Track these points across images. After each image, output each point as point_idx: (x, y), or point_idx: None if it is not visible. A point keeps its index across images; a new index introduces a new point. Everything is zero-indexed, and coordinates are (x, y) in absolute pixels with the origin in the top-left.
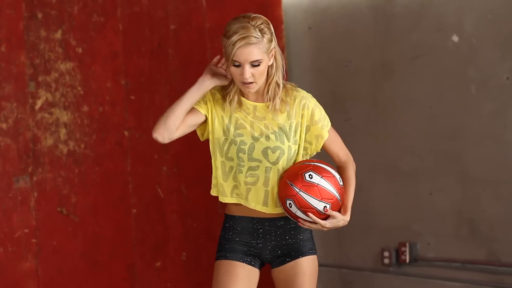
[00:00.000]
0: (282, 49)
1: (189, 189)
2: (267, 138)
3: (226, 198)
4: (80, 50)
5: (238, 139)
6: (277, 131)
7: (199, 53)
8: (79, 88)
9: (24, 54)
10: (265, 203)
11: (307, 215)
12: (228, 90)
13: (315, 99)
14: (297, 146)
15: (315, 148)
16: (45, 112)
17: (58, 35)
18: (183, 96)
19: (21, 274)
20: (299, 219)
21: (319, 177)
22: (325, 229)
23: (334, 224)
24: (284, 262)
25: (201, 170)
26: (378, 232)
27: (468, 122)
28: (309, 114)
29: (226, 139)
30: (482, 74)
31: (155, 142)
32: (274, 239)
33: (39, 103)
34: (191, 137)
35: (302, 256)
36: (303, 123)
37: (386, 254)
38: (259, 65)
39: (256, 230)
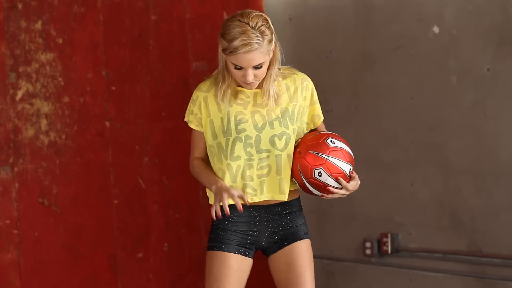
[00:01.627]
0: None
1: (171, 180)
2: (271, 125)
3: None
4: (60, 41)
5: (242, 135)
6: (280, 116)
7: (180, 43)
8: (60, 79)
9: (4, 45)
10: (282, 191)
11: (338, 181)
12: (220, 86)
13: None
14: (302, 129)
15: (309, 128)
16: (26, 103)
17: (39, 25)
18: (203, 180)
19: (2, 265)
20: (328, 187)
21: (339, 142)
22: (347, 193)
23: (355, 186)
24: (282, 246)
25: (183, 161)
26: (360, 223)
27: (449, 113)
28: (309, 95)
29: (228, 139)
30: (462, 65)
31: (136, 132)
32: (271, 226)
33: (19, 94)
34: (173, 128)
35: (300, 239)
36: (305, 105)
37: (368, 245)
38: (261, 67)
39: (253, 218)
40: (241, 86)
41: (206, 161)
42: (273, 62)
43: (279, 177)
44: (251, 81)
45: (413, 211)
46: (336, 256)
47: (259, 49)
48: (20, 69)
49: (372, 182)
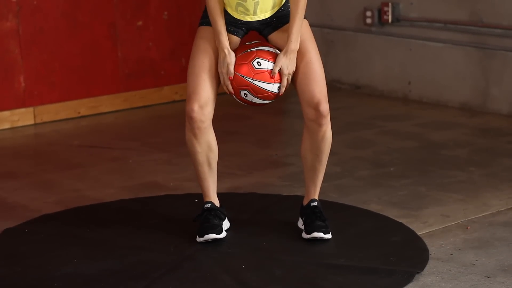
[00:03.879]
0: None
1: None
2: None
3: (230, 10)
4: None
5: None
6: None
7: None
8: None
9: None
10: (273, 7)
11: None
12: None
13: None
14: None
15: None
16: None
17: None
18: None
19: (1, 34)
20: (256, 104)
21: (267, 62)
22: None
23: (288, 76)
24: (276, 28)
25: None
26: None
27: None
28: None
29: None
30: None
31: None
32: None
33: None
34: None
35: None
36: None
37: (368, 13)
38: None
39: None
40: None
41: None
42: None
43: None
44: None
45: None
46: (336, 24)
47: None
48: None
49: None
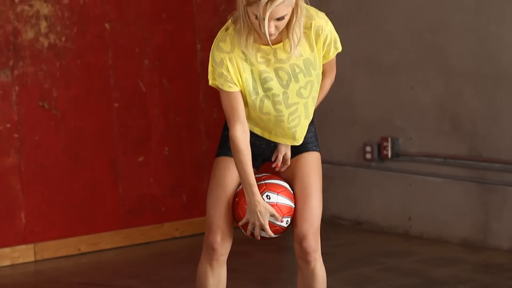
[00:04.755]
0: None
1: (171, 83)
2: (296, 79)
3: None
4: None
5: (269, 93)
6: (303, 67)
7: None
8: None
9: None
10: (302, 136)
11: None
12: (241, 34)
13: (329, 22)
14: (321, 69)
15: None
16: (25, 4)
17: None
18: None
19: (3, 170)
20: (263, 238)
21: (276, 195)
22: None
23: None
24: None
25: (183, 63)
26: (360, 127)
27: (451, 15)
28: (328, 41)
29: (256, 97)
30: None
31: (136, 34)
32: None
33: None
34: (173, 30)
35: (307, 151)
36: (323, 49)
37: (368, 149)
38: (283, 18)
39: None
40: (260, 41)
41: (247, 137)
42: (296, 15)
43: (307, 120)
44: (272, 32)
45: (413, 115)
46: (336, 160)
47: (284, 2)
48: None
49: (373, 85)
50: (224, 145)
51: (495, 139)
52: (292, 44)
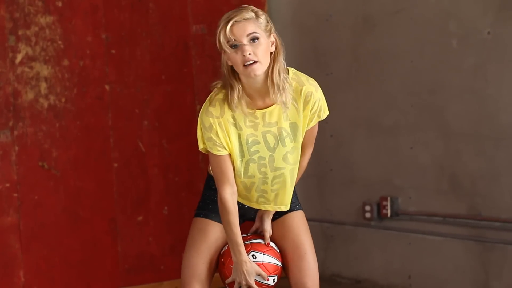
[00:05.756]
0: (263, 4)
1: (171, 143)
2: (283, 143)
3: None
4: (60, 4)
5: (255, 157)
6: (290, 131)
7: (180, 6)
8: (60, 42)
9: (3, 8)
10: (287, 202)
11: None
12: (230, 95)
13: (320, 90)
14: (303, 137)
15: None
16: (26, 66)
17: None
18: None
19: (2, 229)
20: None
21: (262, 255)
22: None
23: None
24: (272, 219)
25: (182, 124)
26: (360, 187)
27: (449, 76)
28: (315, 108)
29: (241, 160)
30: (463, 29)
31: (136, 96)
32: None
33: (19, 57)
34: (173, 91)
35: (292, 211)
36: (306, 116)
37: (367, 208)
38: (258, 38)
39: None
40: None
41: (236, 198)
42: (278, 53)
43: (291, 188)
44: (249, 57)
45: (413, 175)
46: (335, 219)
47: (253, 20)
48: (20, 32)
49: (372, 145)
50: (206, 207)
51: (494, 198)
52: (284, 100)
